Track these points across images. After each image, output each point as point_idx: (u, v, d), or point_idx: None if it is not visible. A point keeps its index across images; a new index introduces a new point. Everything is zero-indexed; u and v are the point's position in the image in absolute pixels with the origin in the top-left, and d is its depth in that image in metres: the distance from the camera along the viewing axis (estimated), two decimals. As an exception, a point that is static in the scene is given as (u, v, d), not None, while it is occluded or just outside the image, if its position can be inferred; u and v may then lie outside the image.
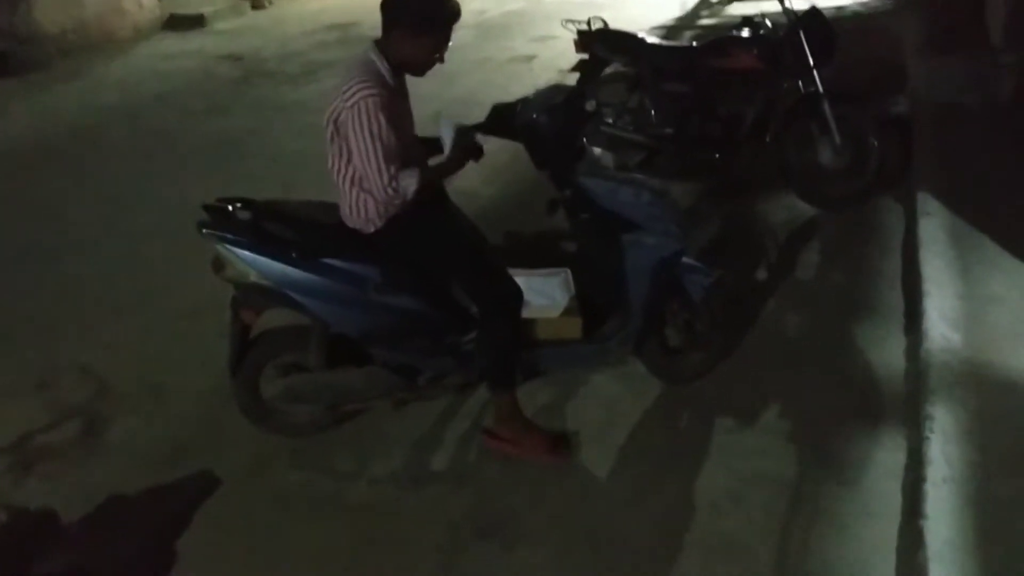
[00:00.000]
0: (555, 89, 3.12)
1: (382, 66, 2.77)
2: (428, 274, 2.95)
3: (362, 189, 2.83)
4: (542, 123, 2.95)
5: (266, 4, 13.06)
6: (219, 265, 2.89)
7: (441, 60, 2.81)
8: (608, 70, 5.52)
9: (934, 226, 4.13)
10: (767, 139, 4.91)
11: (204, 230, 2.87)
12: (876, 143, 4.71)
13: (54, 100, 8.71)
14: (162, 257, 4.89)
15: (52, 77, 9.70)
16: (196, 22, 11.57)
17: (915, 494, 2.56)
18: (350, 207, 2.89)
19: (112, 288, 4.58)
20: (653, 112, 5.22)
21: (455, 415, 3.34)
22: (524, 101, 3.07)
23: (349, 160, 2.78)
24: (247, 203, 2.93)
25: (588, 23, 5.42)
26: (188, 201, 5.74)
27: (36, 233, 5.37)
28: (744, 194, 5.12)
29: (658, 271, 3.06)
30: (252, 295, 2.93)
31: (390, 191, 2.72)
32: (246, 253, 2.82)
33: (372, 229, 2.89)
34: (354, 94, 2.66)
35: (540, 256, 3.59)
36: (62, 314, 4.35)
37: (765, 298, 4.01)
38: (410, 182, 2.74)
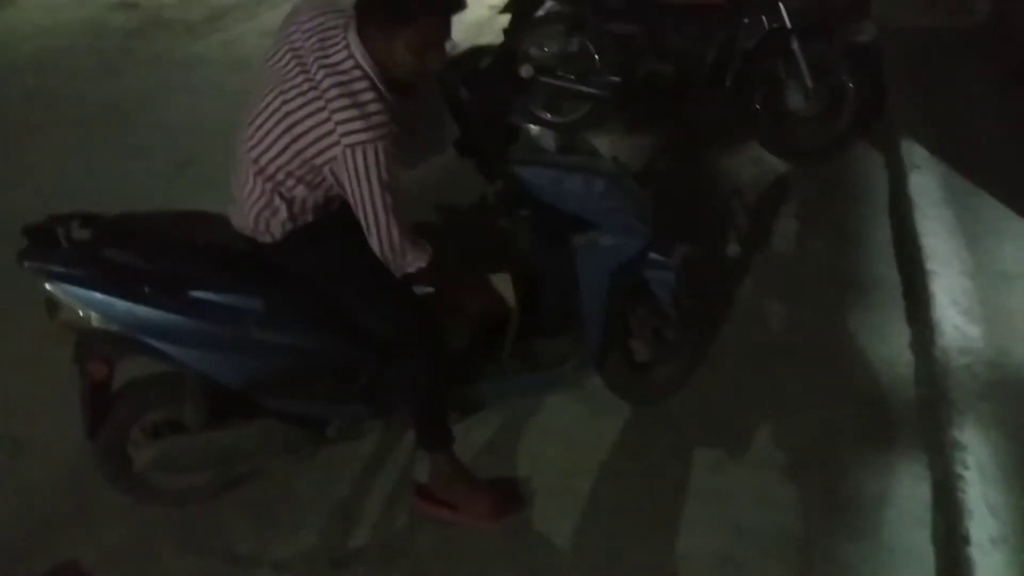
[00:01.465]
0: (479, 51, 2.45)
1: (380, 82, 2.07)
2: (326, 299, 2.30)
3: (274, 195, 2.17)
4: (462, 97, 2.30)
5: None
6: (52, 308, 2.21)
7: (435, 66, 2.13)
8: (543, 11, 4.81)
9: (925, 182, 3.59)
10: (727, 83, 4.34)
11: (26, 263, 2.17)
12: (851, 83, 4.13)
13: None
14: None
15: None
16: (87, -35, 10.45)
17: (957, 560, 2.04)
18: (251, 210, 2.22)
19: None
20: (597, 57, 4.57)
21: (380, 465, 2.72)
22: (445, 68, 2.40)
23: (290, 172, 2.12)
24: (88, 220, 2.25)
25: (522, -46, 4.69)
26: (64, 187, 5.10)
27: None
28: (703, 148, 4.52)
29: (618, 276, 2.45)
30: (99, 344, 2.26)
31: (387, 256, 2.17)
32: (82, 291, 2.14)
33: (267, 240, 2.23)
34: (359, 122, 1.99)
35: (473, 258, 2.94)
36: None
37: (739, 278, 3.45)
38: (415, 263, 2.20)
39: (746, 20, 4.29)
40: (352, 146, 1.98)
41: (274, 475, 2.67)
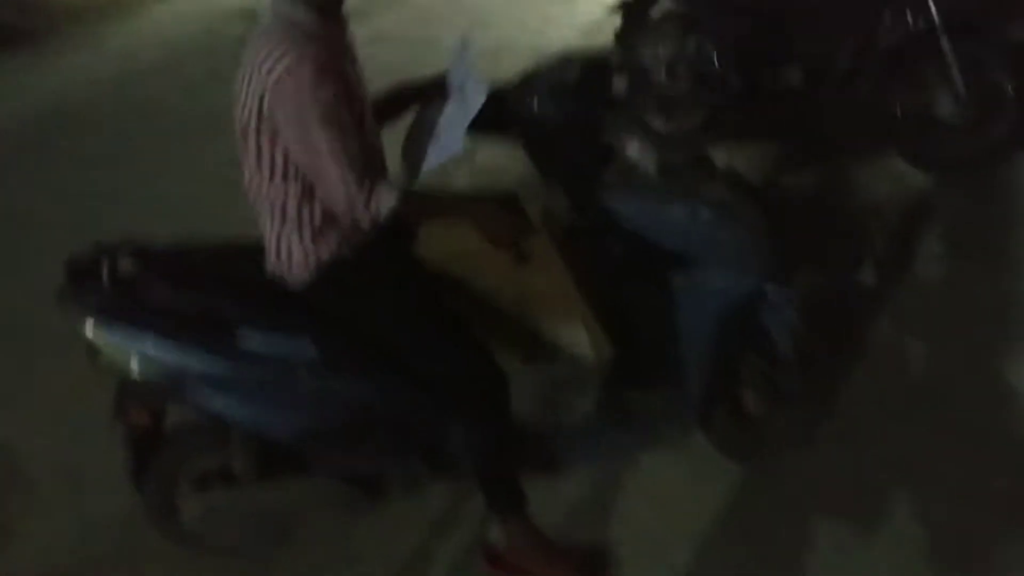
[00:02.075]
0: (567, 62, 2.12)
1: (299, 12, 1.84)
2: (380, 344, 2.02)
3: (284, 219, 1.96)
4: (547, 115, 1.98)
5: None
6: (92, 351, 2.01)
7: None
8: (657, 10, 4.43)
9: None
10: (863, 87, 3.84)
11: (64, 302, 1.99)
12: (1009, 87, 3.60)
13: (50, 75, 7.98)
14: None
15: (54, 47, 8.95)
16: (213, -25, 10.68)
17: None
18: (273, 247, 2.02)
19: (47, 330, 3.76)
20: (715, 59, 4.16)
21: (447, 524, 2.42)
22: (524, 82, 2.09)
23: (273, 172, 1.91)
24: (136, 250, 2.05)
25: (631, -50, 4.34)
26: (164, 199, 5.08)
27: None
28: (834, 160, 4.05)
29: (726, 321, 2.08)
30: (139, 390, 2.05)
31: (361, 208, 1.83)
32: (120, 336, 1.95)
33: (300, 283, 1.98)
34: (277, 62, 1.77)
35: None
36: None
37: (874, 312, 3.00)
38: (388, 202, 1.82)
39: (886, 16, 3.80)
40: (275, 83, 1.76)
41: (329, 531, 2.42)
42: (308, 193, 1.91)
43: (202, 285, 2.00)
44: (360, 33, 6.65)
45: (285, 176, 1.90)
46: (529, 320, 2.08)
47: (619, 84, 2.05)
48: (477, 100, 1.85)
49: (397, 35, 7.45)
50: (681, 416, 2.23)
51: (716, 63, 4.18)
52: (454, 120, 1.93)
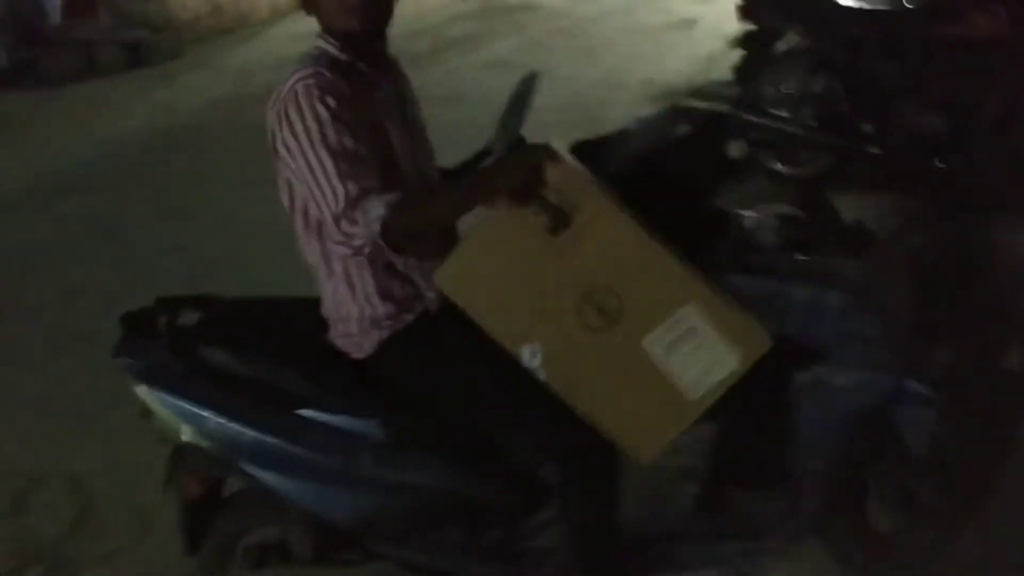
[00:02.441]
0: (673, 115, 1.87)
1: (327, 43, 1.74)
2: (457, 426, 1.80)
3: (332, 275, 1.78)
4: (651, 173, 1.73)
5: (407, -27, 12.18)
6: (146, 411, 1.87)
7: (348, 3, 1.67)
8: (783, 44, 4.12)
9: None
10: (1017, 137, 3.43)
11: (117, 358, 1.85)
12: None
13: (171, 95, 8.21)
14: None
15: (179, 67, 9.25)
16: (332, -2, 10.83)
17: None
18: (329, 310, 1.85)
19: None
20: (846, 101, 3.81)
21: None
22: (621, 137, 1.85)
23: (307, 220, 1.77)
24: (199, 302, 1.91)
25: (757, -18, 4.05)
26: (267, 224, 5.03)
27: (79, 266, 4.61)
28: (979, 219, 3.61)
29: (855, 423, 1.77)
30: (193, 458, 1.89)
31: (344, 224, 1.60)
32: (172, 399, 1.79)
33: (359, 351, 1.78)
34: (287, 88, 1.65)
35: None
36: (75, 388, 3.51)
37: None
38: (377, 209, 1.56)
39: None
40: (279, 104, 1.64)
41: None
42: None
43: (265, 352, 1.82)
44: (475, 59, 6.58)
45: (305, 220, 1.76)
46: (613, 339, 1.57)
47: (737, 149, 1.74)
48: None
49: (511, 61, 7.31)
50: (795, 525, 1.92)
51: (845, 104, 3.84)
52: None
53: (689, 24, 7.43)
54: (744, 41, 4.21)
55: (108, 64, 9.59)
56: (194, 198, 5.37)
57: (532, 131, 6.13)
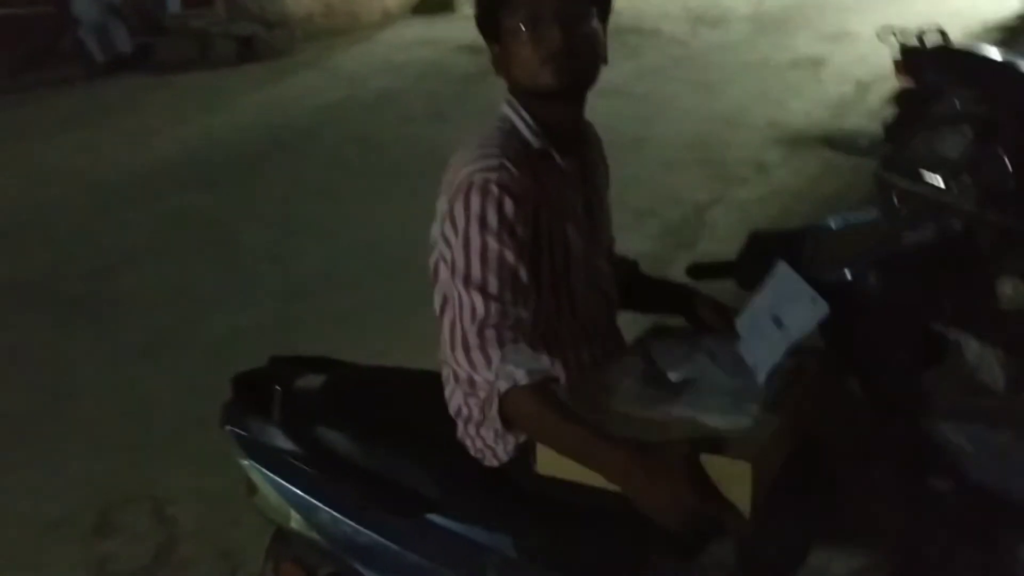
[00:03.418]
0: (891, 214, 1.59)
1: (520, 120, 1.48)
2: (598, 543, 1.56)
3: (456, 377, 1.52)
4: (868, 291, 1.46)
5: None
6: (251, 486, 1.69)
7: (543, 53, 1.41)
8: (941, 105, 3.77)
9: None
10: None
11: (228, 427, 1.67)
12: None
13: (281, 93, 8.22)
14: (316, 320, 3.83)
15: (290, 65, 9.29)
16: (445, 5, 10.84)
17: None
18: (452, 400, 1.60)
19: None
20: (1014, 175, 3.44)
21: None
22: (818, 232, 1.59)
23: (444, 304, 1.52)
24: (322, 365, 1.72)
25: (920, 37, 3.70)
26: (369, 243, 4.89)
27: (175, 281, 4.52)
28: None
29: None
30: (296, 544, 1.70)
31: (474, 351, 1.36)
32: (281, 481, 1.60)
33: (492, 459, 1.56)
34: (462, 167, 1.42)
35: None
36: (166, 401, 3.39)
37: None
38: (516, 374, 1.30)
39: None
40: (455, 193, 1.39)
41: None
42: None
43: (392, 444, 1.60)
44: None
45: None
46: None
47: (1012, 286, 1.45)
48: (807, 322, 1.35)
49: (625, 89, 7.07)
50: None
51: (1012, 179, 3.46)
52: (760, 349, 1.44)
53: (816, 64, 7.09)
54: (900, 99, 3.88)
55: (220, 56, 9.70)
56: (298, 207, 5.27)
57: (647, 166, 5.85)
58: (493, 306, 1.35)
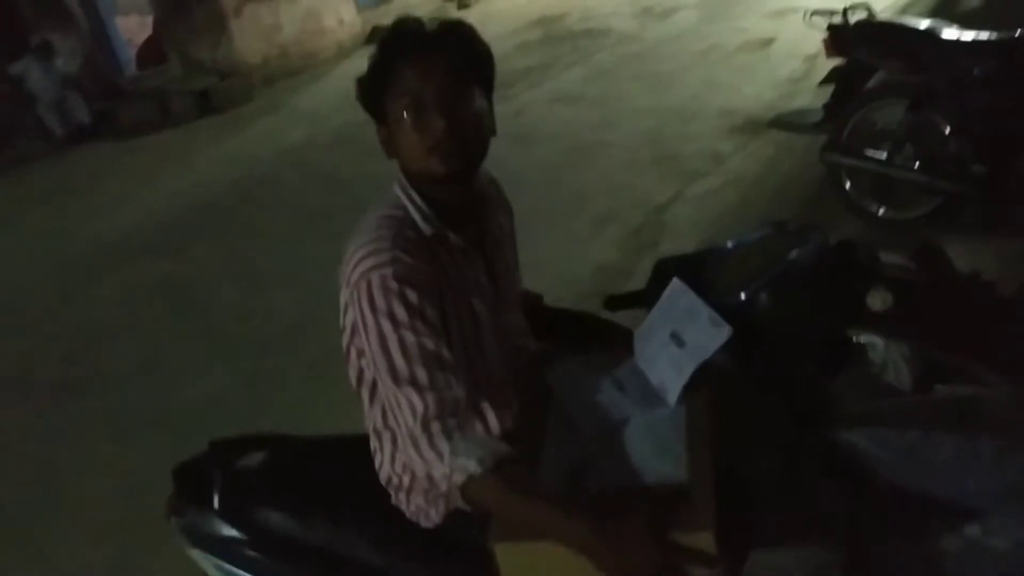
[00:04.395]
0: (780, 231, 1.61)
1: (412, 205, 1.47)
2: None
3: (391, 432, 1.54)
4: (770, 313, 1.48)
5: (471, 2, 12.10)
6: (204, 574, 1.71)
7: (429, 141, 1.40)
8: (875, 80, 3.80)
9: None
10: None
11: (172, 518, 1.69)
12: None
13: (242, 142, 8.25)
14: (289, 373, 3.86)
15: (249, 113, 9.33)
16: (397, 33, 10.80)
17: None
18: (381, 468, 1.61)
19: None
20: (953, 140, 3.47)
21: None
22: (718, 255, 1.61)
23: (360, 385, 1.55)
24: (261, 443, 1.74)
25: (844, 14, 3.73)
26: (331, 288, 4.84)
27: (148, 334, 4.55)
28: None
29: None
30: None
31: (424, 446, 1.37)
32: (233, 569, 1.62)
33: (427, 520, 1.57)
34: (355, 266, 1.41)
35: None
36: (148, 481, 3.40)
37: None
38: (467, 463, 1.33)
39: None
40: (351, 289, 1.39)
41: None
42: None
43: (329, 517, 1.62)
44: (542, 92, 6.35)
45: (372, 395, 1.52)
46: None
47: (879, 301, 1.46)
48: (710, 342, 1.38)
49: (577, 93, 7.10)
50: None
51: (952, 145, 3.49)
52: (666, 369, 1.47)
53: (764, 44, 7.10)
54: (833, 77, 3.90)
55: (180, 113, 9.75)
56: (263, 260, 5.29)
57: (604, 170, 5.82)
58: (429, 397, 1.35)
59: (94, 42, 10.94)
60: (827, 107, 3.92)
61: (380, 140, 1.48)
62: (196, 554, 1.67)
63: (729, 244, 1.63)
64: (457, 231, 1.48)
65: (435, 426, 1.34)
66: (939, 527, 1.46)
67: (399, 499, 1.57)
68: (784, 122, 5.02)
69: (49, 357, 4.58)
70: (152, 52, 11.13)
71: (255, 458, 1.73)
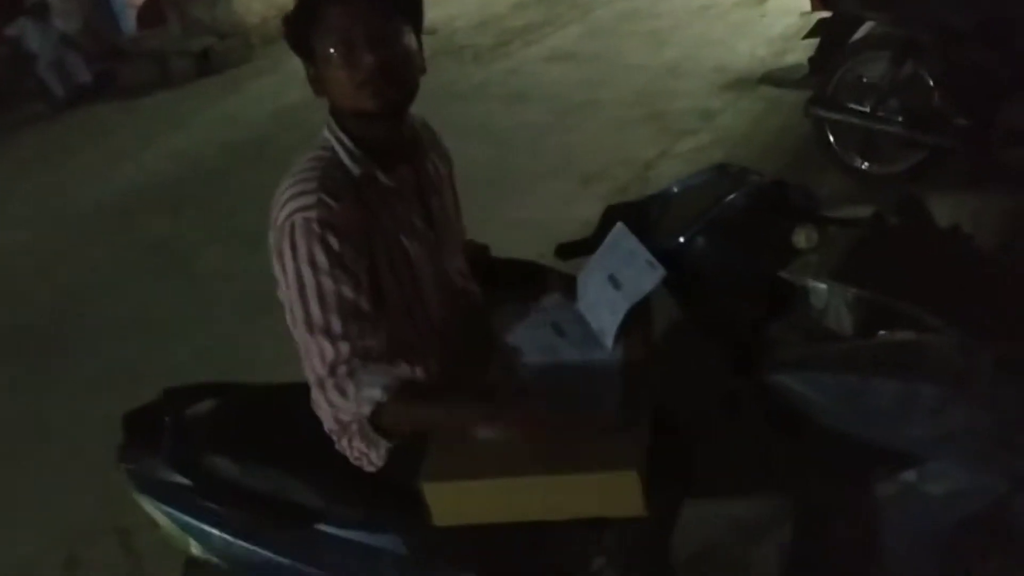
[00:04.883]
0: (721, 174, 1.60)
1: (340, 146, 1.48)
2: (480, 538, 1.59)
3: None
4: (704, 256, 1.48)
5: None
6: (153, 521, 1.73)
7: (358, 77, 1.40)
8: (861, 33, 3.74)
9: None
10: None
11: (121, 465, 1.71)
12: None
13: (239, 103, 8.23)
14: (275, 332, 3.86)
15: (247, 73, 9.28)
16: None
17: None
18: (324, 417, 1.59)
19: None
20: (937, 93, 3.42)
21: None
22: (663, 200, 1.60)
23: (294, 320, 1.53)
24: (214, 391, 1.76)
25: (831, -35, 3.67)
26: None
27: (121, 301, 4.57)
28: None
29: (958, 536, 1.49)
30: (205, 571, 1.74)
31: (332, 392, 1.40)
32: (176, 512, 1.64)
33: (369, 464, 1.58)
34: (281, 208, 1.42)
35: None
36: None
37: None
38: (372, 392, 1.37)
39: None
40: (277, 229, 1.39)
41: None
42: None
43: (275, 463, 1.64)
44: (539, 50, 6.29)
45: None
46: None
47: (804, 239, 1.44)
48: (644, 284, 1.38)
49: (576, 52, 7.02)
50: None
51: (937, 98, 3.44)
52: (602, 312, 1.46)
53: (761, 0, 6.99)
54: (818, 30, 3.84)
55: (179, 73, 9.71)
56: (251, 220, 5.27)
57: (593, 130, 5.78)
58: (341, 346, 1.37)
59: (93, 3, 10.86)
60: (812, 61, 3.88)
61: (308, 79, 1.48)
62: (143, 500, 1.69)
63: (675, 188, 1.62)
64: (387, 171, 1.48)
65: (342, 370, 1.36)
66: (877, 473, 1.46)
67: (342, 445, 1.58)
68: (774, 78, 4.99)
69: (36, 313, 4.63)
70: (152, 12, 11.05)
71: (206, 406, 1.75)
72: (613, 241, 1.49)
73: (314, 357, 1.38)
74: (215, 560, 1.65)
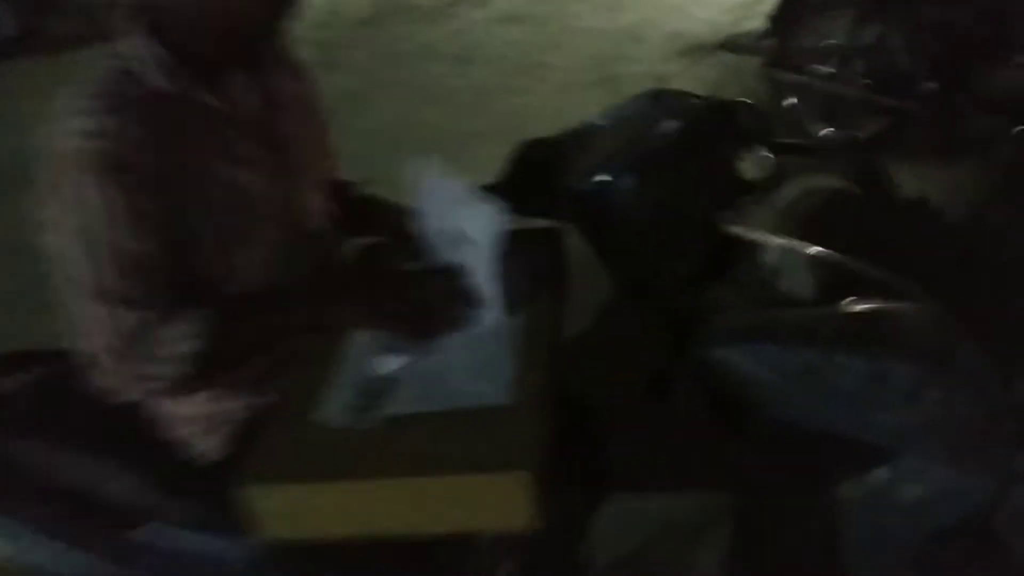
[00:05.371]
0: (656, 102, 1.30)
1: (149, 56, 1.14)
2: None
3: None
4: (623, 196, 1.18)
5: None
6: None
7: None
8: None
9: None
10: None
11: None
12: None
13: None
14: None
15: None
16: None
17: None
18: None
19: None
20: (905, 55, 3.20)
21: None
22: (583, 136, 1.30)
23: None
24: (29, 361, 1.43)
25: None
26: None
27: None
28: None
29: (932, 546, 1.22)
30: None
31: (124, 364, 1.11)
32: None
33: (203, 455, 1.28)
34: (55, 133, 1.12)
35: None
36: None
37: None
38: (180, 344, 1.11)
39: None
40: (49, 165, 1.11)
41: None
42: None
43: (98, 449, 1.31)
44: (488, 12, 6.00)
45: None
46: None
47: (758, 167, 1.15)
48: (490, 224, 1.08)
49: (526, 15, 6.73)
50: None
51: (905, 60, 3.22)
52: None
53: (729, -42, 6.74)
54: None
55: (112, 28, 9.22)
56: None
57: (542, 93, 5.44)
58: (121, 312, 1.09)
59: (21, -48, 10.28)
60: (773, 19, 3.63)
61: None
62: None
63: (598, 121, 1.32)
64: (214, 87, 1.15)
65: (138, 333, 1.09)
66: (839, 471, 1.18)
67: (173, 429, 1.27)
68: (733, 44, 4.76)
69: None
70: (84, -36, 10.51)
71: (19, 379, 1.41)
72: (431, 196, 1.20)
73: (93, 333, 1.07)
74: (27, 562, 1.33)
